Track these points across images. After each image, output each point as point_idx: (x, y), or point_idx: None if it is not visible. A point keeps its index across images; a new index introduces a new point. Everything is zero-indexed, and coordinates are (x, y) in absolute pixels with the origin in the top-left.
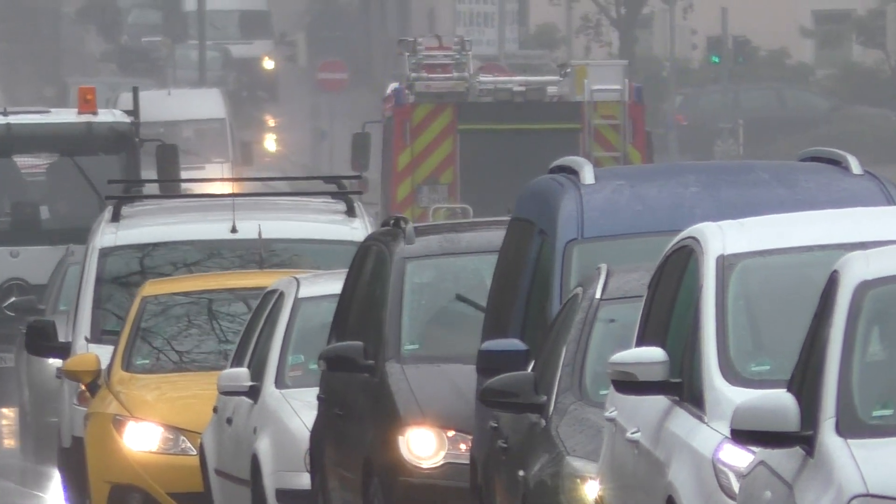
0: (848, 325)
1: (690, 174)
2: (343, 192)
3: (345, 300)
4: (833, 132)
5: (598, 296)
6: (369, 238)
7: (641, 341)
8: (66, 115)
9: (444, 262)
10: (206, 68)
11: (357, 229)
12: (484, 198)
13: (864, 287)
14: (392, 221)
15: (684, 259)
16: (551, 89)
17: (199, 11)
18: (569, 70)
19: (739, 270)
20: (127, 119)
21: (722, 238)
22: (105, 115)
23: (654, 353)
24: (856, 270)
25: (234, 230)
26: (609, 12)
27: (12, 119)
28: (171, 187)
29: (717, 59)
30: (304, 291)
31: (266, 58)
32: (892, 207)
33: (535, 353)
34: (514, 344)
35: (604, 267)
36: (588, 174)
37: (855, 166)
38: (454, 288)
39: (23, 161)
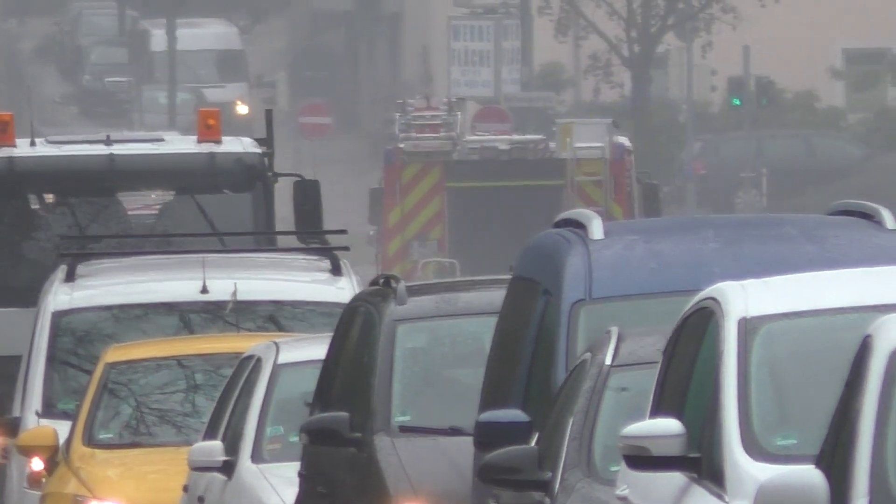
0: (882, 394)
1: (710, 229)
2: (328, 248)
3: (329, 367)
4: (866, 183)
5: (608, 362)
6: (356, 298)
7: (656, 412)
8: (184, 144)
9: (438, 324)
10: (175, 112)
11: (343, 289)
12: (472, 252)
13: None
14: (382, 280)
15: (703, 322)
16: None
17: (169, 51)
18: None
19: (764, 334)
20: (258, 149)
21: (744, 299)
22: (231, 144)
23: (670, 425)
24: (891, 334)
25: (204, 290)
26: (621, 50)
27: (117, 149)
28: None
29: (738, 102)
30: (284, 357)
31: (239, 102)
32: None
33: (538, 424)
34: (516, 415)
35: (614, 330)
36: (597, 228)
37: (890, 221)
38: (450, 353)
39: (131, 200)
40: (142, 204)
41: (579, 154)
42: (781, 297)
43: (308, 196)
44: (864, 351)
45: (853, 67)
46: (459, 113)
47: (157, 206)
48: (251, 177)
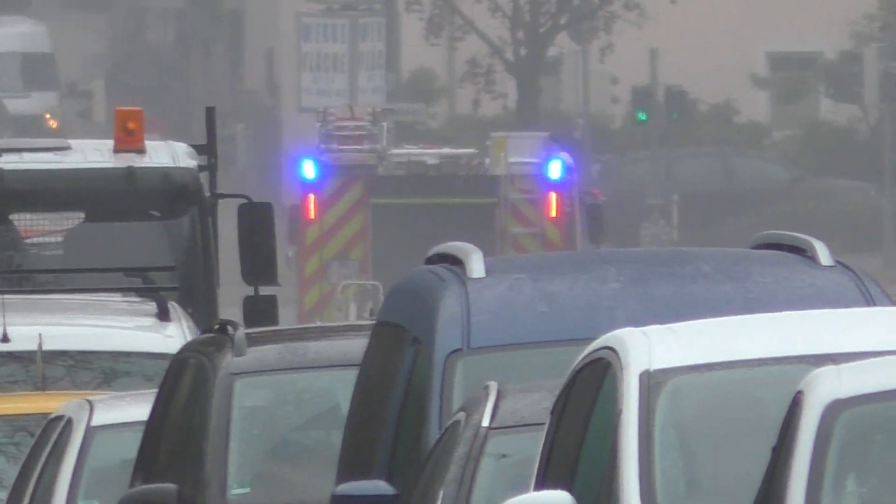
0: (814, 459)
1: (611, 265)
2: (153, 288)
3: (153, 429)
4: (795, 211)
5: (485, 423)
6: (186, 348)
7: (542, 482)
8: (96, 154)
9: (284, 379)
10: None
11: (171, 337)
12: (396, 274)
13: (835, 408)
14: (217, 326)
15: (598, 375)
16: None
17: None
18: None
19: (670, 391)
20: (194, 160)
21: (647, 348)
22: (158, 154)
23: (559, 497)
24: (824, 389)
25: (4, 339)
26: (504, 54)
27: (6, 161)
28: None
29: (644, 117)
30: (99, 418)
31: (48, 116)
32: (871, 309)
33: (406, 497)
34: (379, 487)
35: (493, 386)
36: (476, 265)
37: (823, 256)
38: (298, 413)
39: (30, 224)
40: (49, 228)
41: (514, 170)
42: (691, 346)
43: (257, 223)
44: (794, 409)
45: (779, 75)
46: (385, 124)
47: (61, 234)
48: (184, 198)
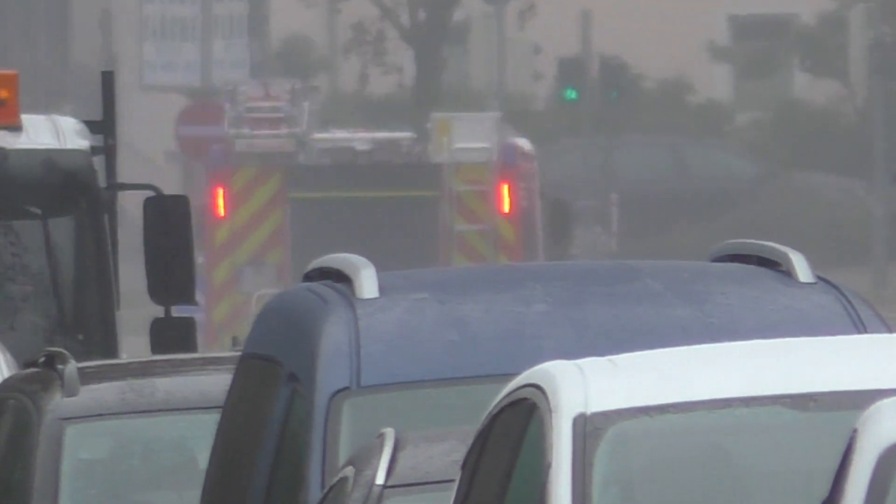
0: None
1: (536, 283)
2: None
3: None
4: (764, 215)
5: (379, 480)
6: (4, 386)
7: None
8: None
9: (127, 425)
10: None
11: None
12: None
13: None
14: (42, 358)
15: (522, 420)
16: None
17: None
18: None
19: (612, 440)
20: (85, 141)
21: (583, 386)
22: (39, 132)
23: None
24: (884, 428)
25: None
26: (398, 18)
27: None
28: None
29: (574, 95)
30: None
31: None
32: (861, 337)
33: None
34: None
35: (390, 434)
36: (368, 282)
37: (802, 270)
38: (144, 467)
39: None
40: None
41: (459, 157)
42: (638, 383)
43: (168, 223)
44: (848, 453)
45: (743, 44)
46: (307, 103)
47: None
48: (72, 189)
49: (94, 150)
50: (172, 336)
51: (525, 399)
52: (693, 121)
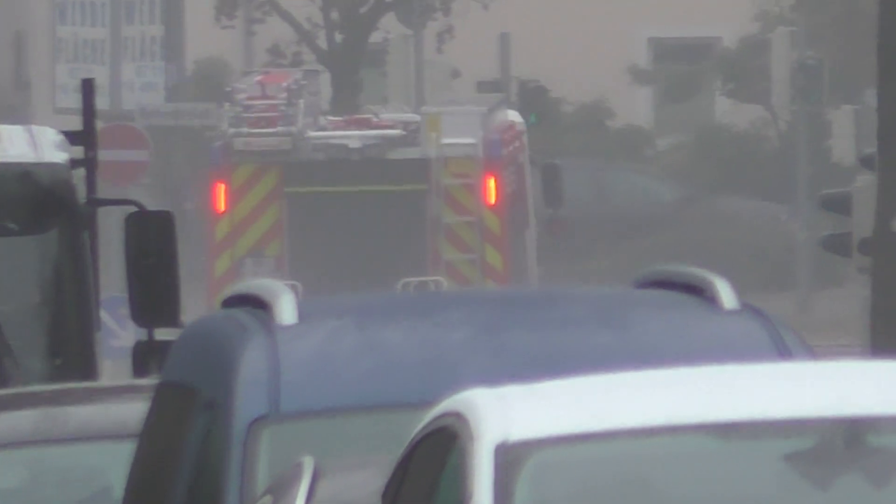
0: None
1: (457, 309)
2: None
3: None
4: (686, 240)
5: None
6: None
7: None
8: None
9: (41, 454)
10: None
11: None
12: (317, 272)
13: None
14: None
15: (442, 449)
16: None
17: None
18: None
19: (533, 469)
20: (64, 153)
21: (504, 414)
22: (15, 144)
23: None
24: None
25: None
26: (315, 40)
27: None
28: None
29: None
30: None
31: None
32: (787, 364)
33: None
34: None
35: (309, 462)
36: (287, 308)
37: (726, 296)
38: (58, 498)
39: None
40: None
41: (447, 152)
42: (560, 410)
43: (152, 240)
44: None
45: (664, 66)
46: (302, 101)
47: None
48: (49, 205)
49: (73, 163)
50: (156, 361)
51: (446, 427)
52: (614, 144)
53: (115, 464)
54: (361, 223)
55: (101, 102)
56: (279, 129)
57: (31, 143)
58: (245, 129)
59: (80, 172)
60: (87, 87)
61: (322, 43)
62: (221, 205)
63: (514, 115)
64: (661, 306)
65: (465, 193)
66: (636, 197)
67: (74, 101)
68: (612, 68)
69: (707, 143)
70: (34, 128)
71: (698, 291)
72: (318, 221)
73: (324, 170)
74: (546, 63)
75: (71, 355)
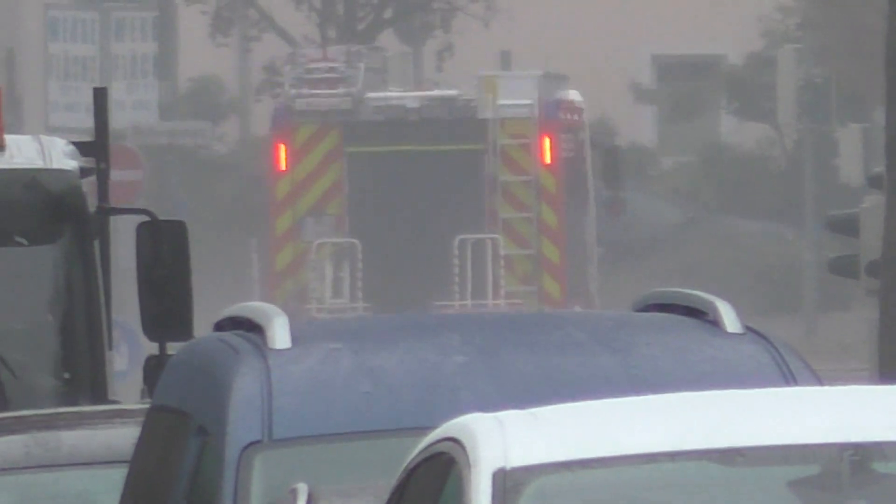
0: None
1: (454, 332)
2: None
3: None
4: (690, 261)
5: None
6: None
7: None
8: None
9: (31, 480)
10: None
11: None
12: (376, 230)
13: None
14: None
15: (439, 475)
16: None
17: None
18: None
19: (532, 495)
20: (74, 161)
21: (503, 440)
22: (24, 151)
23: None
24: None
25: None
26: None
27: None
28: None
29: None
30: None
31: None
32: (791, 389)
33: None
34: None
35: (303, 489)
36: (280, 332)
37: (729, 320)
38: None
39: None
40: None
41: (504, 113)
42: (560, 436)
43: (164, 251)
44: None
45: (668, 84)
46: (362, 65)
47: None
48: (59, 214)
49: (84, 172)
50: None
51: (443, 453)
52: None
53: (106, 489)
54: (420, 182)
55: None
56: (339, 90)
57: (40, 152)
58: (306, 90)
59: (92, 183)
60: (100, 98)
61: None
62: (283, 164)
63: (574, 94)
64: (662, 329)
65: (522, 153)
66: (639, 217)
67: (66, 119)
68: (614, 86)
69: (712, 162)
70: (43, 137)
71: (701, 314)
72: (377, 180)
73: (383, 130)
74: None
75: (79, 370)
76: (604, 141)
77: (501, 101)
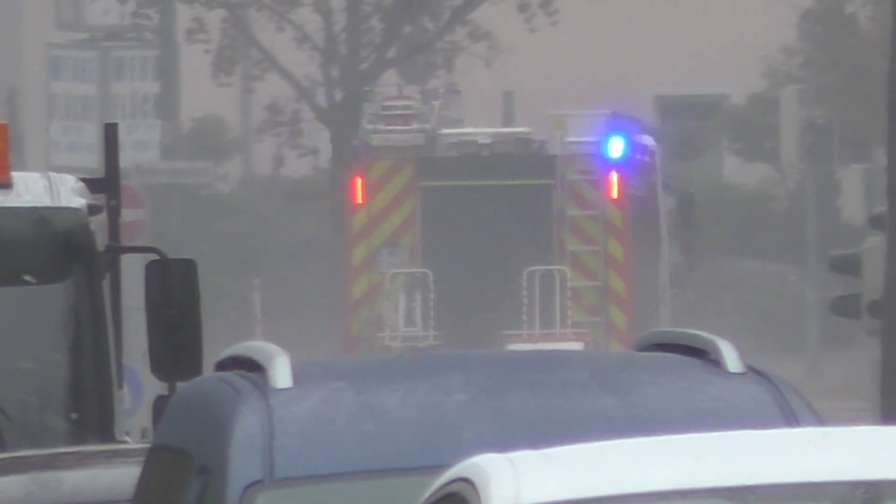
0: None
1: (456, 372)
2: None
3: None
4: (692, 301)
5: None
6: None
7: None
8: None
9: None
10: None
11: None
12: (448, 261)
13: None
14: None
15: None
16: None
17: None
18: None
19: None
20: (80, 201)
21: (515, 479)
22: (32, 191)
23: None
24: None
25: None
26: (314, 97)
27: None
28: None
29: None
30: None
31: None
32: (794, 430)
33: None
34: None
35: None
36: (282, 371)
37: (731, 360)
38: None
39: None
40: None
41: (572, 150)
42: (571, 476)
43: (173, 290)
44: None
45: (671, 124)
46: (436, 103)
47: None
48: (67, 253)
49: (93, 210)
50: None
51: (455, 494)
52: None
53: None
54: (491, 215)
55: (92, 160)
56: (414, 126)
57: (48, 189)
58: (382, 127)
59: (101, 221)
60: (111, 134)
61: (321, 101)
62: (359, 197)
63: (647, 140)
64: (664, 369)
65: (589, 189)
66: None
67: (67, 158)
68: None
69: (714, 202)
70: (52, 174)
71: (702, 354)
72: (450, 213)
73: (456, 165)
74: (550, 121)
75: (87, 410)
76: (679, 187)
77: (570, 139)
